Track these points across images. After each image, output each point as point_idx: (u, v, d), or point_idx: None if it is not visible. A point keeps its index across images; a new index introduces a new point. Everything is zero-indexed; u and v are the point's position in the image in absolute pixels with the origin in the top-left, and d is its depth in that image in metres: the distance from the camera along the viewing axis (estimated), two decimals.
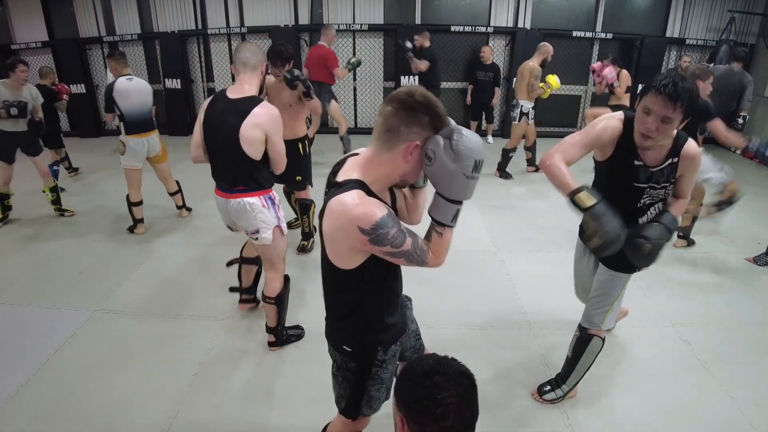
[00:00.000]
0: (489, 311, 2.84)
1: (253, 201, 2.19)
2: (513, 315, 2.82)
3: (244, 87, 2.15)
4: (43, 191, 4.22)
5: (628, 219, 1.69)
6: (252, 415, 2.08)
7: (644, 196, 1.81)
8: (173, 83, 7.09)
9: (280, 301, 2.41)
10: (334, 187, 1.20)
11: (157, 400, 2.14)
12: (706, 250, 3.62)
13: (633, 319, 2.73)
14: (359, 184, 1.16)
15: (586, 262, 2.13)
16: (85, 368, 2.34)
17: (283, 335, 2.51)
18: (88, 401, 2.13)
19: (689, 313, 2.83)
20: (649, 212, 1.85)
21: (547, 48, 5.08)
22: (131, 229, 3.88)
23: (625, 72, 4.98)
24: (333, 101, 5.54)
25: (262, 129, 2.11)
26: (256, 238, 2.27)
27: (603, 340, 2.03)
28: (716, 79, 4.84)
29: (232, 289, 2.87)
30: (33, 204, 4.57)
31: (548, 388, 2.17)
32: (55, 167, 5.00)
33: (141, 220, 3.88)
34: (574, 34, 6.72)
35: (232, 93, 2.16)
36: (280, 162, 2.23)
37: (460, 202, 1.19)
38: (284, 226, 2.35)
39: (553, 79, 4.87)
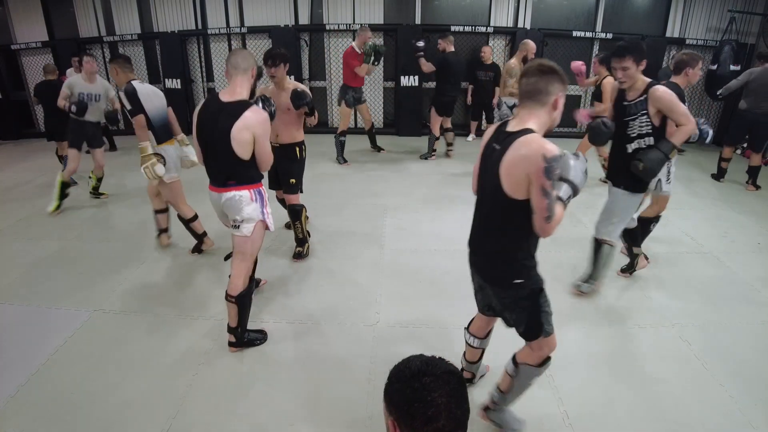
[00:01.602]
0: None
1: (243, 193, 2.32)
2: None
3: (236, 90, 2.26)
4: (89, 176, 4.67)
5: (621, 145, 2.66)
6: (252, 416, 2.08)
7: (629, 128, 2.61)
8: (173, 83, 7.10)
9: (241, 301, 2.39)
10: (510, 135, 1.56)
11: (156, 400, 2.14)
12: (706, 250, 3.62)
13: (633, 319, 2.73)
14: (535, 131, 1.55)
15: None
16: (85, 368, 2.35)
17: (244, 337, 2.48)
18: (88, 401, 2.13)
19: (689, 313, 2.83)
20: (636, 142, 2.61)
21: (527, 45, 5.16)
22: (198, 249, 3.53)
23: (608, 80, 4.48)
24: (344, 103, 5.65)
25: (251, 131, 2.21)
26: (237, 227, 2.35)
27: (612, 246, 2.80)
28: (753, 80, 4.87)
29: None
30: (34, 204, 4.57)
31: (580, 284, 2.94)
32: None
33: (205, 233, 3.53)
34: (574, 34, 6.72)
35: (225, 96, 2.25)
36: (265, 161, 2.34)
37: (571, 184, 1.64)
38: (270, 222, 2.43)
39: None
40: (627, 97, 2.60)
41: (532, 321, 1.73)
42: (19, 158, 6.35)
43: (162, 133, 3.31)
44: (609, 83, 4.58)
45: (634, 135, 2.61)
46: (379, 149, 6.25)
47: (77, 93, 4.22)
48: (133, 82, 3.23)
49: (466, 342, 2.11)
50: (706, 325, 2.73)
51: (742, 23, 6.62)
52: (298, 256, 3.43)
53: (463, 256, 3.44)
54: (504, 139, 1.59)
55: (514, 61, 5.20)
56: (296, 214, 3.36)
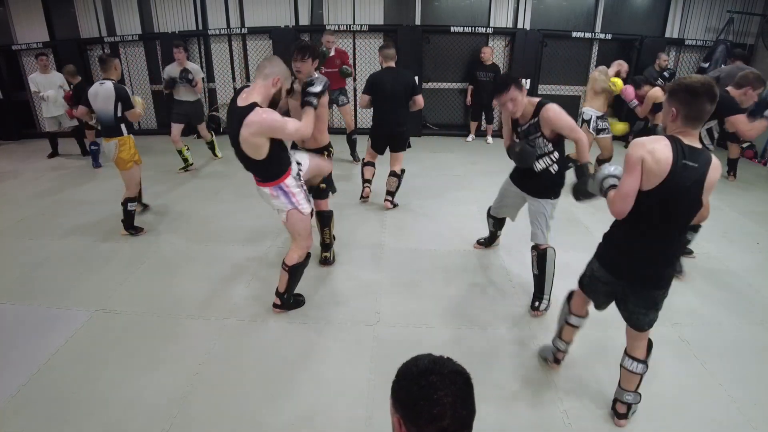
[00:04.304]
0: (489, 311, 2.85)
1: (266, 191, 2.55)
2: (513, 315, 2.82)
3: (252, 94, 2.33)
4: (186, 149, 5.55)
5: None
6: (252, 415, 2.08)
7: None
8: None
9: (294, 272, 2.69)
10: (700, 153, 1.66)
11: (157, 400, 2.14)
12: (705, 251, 3.62)
13: None
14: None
15: (514, 193, 2.96)
16: (85, 368, 2.35)
17: (289, 301, 2.79)
18: (89, 401, 2.14)
19: (689, 313, 2.83)
20: (542, 161, 2.68)
21: (623, 66, 4.84)
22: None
23: (654, 90, 4.36)
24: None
25: (260, 133, 2.29)
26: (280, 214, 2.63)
27: (554, 249, 2.81)
28: (724, 77, 4.83)
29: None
30: (34, 204, 4.58)
31: (537, 304, 2.82)
32: (93, 147, 5.83)
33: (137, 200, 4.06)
34: (574, 34, 6.72)
35: (241, 100, 2.33)
36: (301, 134, 2.46)
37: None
38: (303, 207, 2.61)
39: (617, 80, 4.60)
40: (519, 122, 2.67)
41: (659, 310, 1.92)
42: (19, 159, 6.35)
43: (101, 129, 3.83)
44: (653, 94, 4.34)
45: (539, 153, 2.66)
46: (356, 158, 5.76)
47: (170, 76, 5.32)
48: (96, 82, 3.75)
49: (567, 323, 2.19)
50: (706, 325, 2.73)
51: (741, 24, 6.62)
52: (325, 261, 3.34)
53: (461, 256, 3.49)
54: (696, 156, 1.65)
55: (612, 71, 4.74)
56: (326, 220, 3.26)
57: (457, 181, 5.22)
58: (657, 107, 4.34)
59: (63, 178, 5.47)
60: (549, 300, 2.81)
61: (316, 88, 2.56)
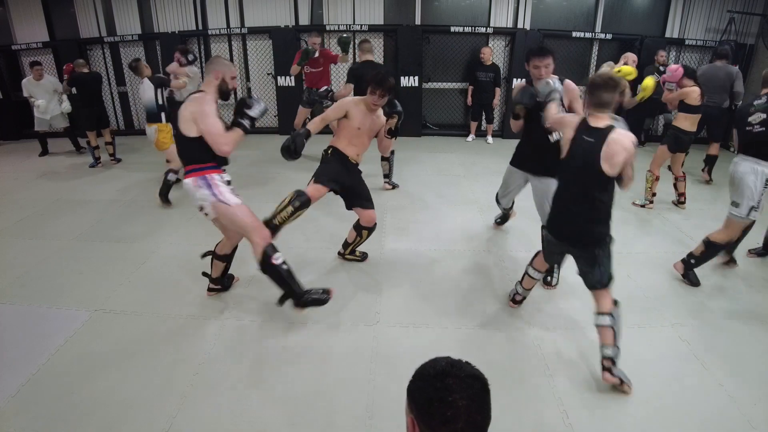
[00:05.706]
0: (489, 311, 2.85)
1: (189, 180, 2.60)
2: (513, 314, 2.82)
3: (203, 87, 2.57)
4: None
5: (545, 137, 2.87)
6: (252, 415, 2.08)
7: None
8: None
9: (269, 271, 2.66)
10: (596, 130, 2.13)
11: (157, 400, 2.14)
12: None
13: (633, 319, 2.73)
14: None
15: (517, 177, 3.26)
16: (85, 368, 2.35)
17: (303, 297, 2.59)
18: (89, 401, 2.14)
19: (689, 313, 2.83)
20: (556, 132, 2.83)
21: (629, 58, 4.97)
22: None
23: (692, 90, 4.08)
24: (301, 106, 5.70)
25: (191, 116, 2.44)
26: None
27: None
28: (701, 74, 4.88)
29: (204, 274, 2.99)
30: (34, 204, 4.58)
31: (549, 278, 3.08)
32: (83, 148, 6.21)
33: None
34: (574, 34, 6.72)
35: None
36: (219, 143, 2.45)
37: None
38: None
39: (649, 80, 4.44)
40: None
41: (610, 267, 2.24)
42: (19, 158, 6.35)
43: (147, 116, 4.62)
44: (695, 92, 4.11)
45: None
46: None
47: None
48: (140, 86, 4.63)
49: (527, 274, 2.68)
50: (706, 325, 2.73)
51: (742, 24, 6.62)
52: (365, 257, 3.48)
53: (461, 256, 3.49)
54: (594, 133, 2.12)
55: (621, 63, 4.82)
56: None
57: (457, 181, 5.22)
58: (681, 105, 4.21)
59: (62, 177, 5.47)
60: (558, 275, 3.08)
61: (254, 112, 2.52)
